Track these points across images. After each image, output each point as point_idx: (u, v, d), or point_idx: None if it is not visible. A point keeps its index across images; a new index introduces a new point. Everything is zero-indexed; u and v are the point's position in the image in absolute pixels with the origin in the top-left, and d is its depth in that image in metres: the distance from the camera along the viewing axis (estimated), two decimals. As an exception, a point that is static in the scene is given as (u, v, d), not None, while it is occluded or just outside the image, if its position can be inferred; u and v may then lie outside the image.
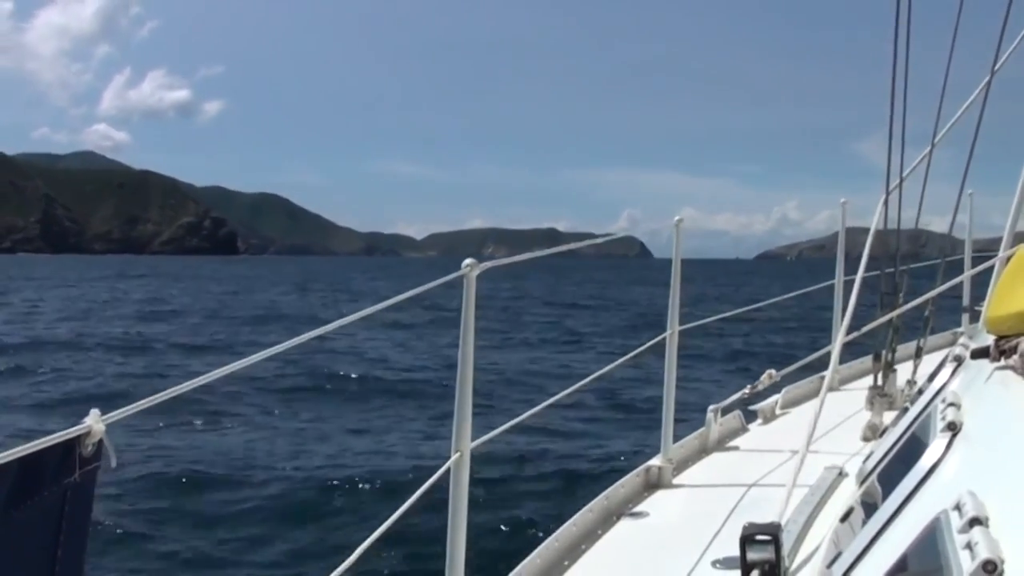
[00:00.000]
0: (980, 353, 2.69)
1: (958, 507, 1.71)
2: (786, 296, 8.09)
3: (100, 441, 2.00)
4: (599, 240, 5.36)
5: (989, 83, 5.26)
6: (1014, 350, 2.46)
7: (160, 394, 2.20)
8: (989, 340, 2.69)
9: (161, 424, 12.61)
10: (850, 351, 6.25)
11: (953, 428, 2.19)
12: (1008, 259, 3.09)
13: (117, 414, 2.05)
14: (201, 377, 2.36)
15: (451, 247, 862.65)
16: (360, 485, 10.56)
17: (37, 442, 1.88)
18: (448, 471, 3.31)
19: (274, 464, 11.55)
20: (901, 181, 5.52)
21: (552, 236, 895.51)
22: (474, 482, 3.38)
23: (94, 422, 1.98)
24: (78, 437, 1.96)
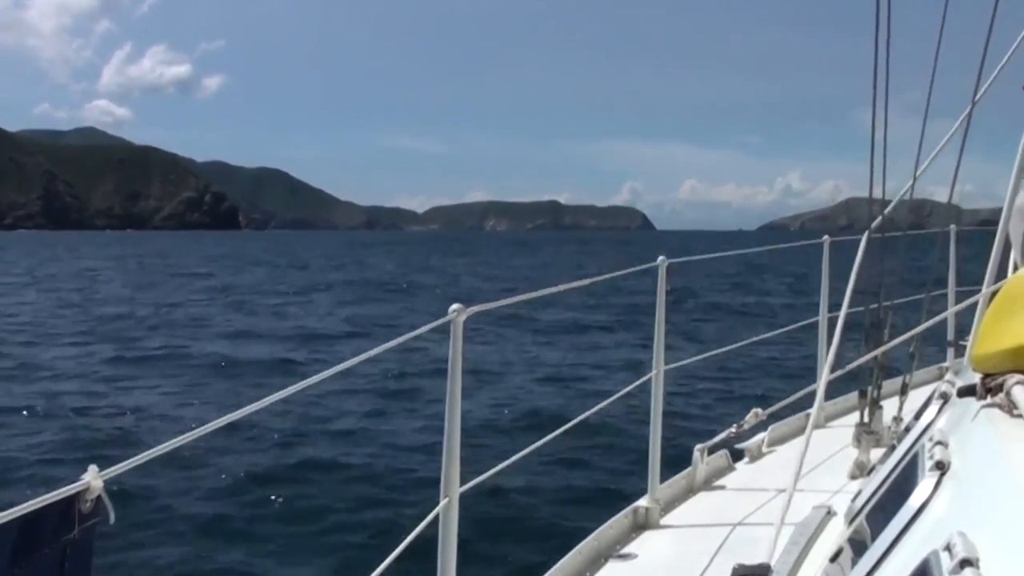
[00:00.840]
0: (967, 391, 2.68)
1: (948, 548, 1.70)
2: (772, 333, 8.24)
3: (98, 497, 2.02)
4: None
5: (970, 114, 5.21)
6: (1000, 388, 2.46)
7: (158, 448, 2.23)
8: (975, 377, 2.67)
9: (162, 475, 12.15)
10: (837, 386, 6.23)
11: (941, 467, 2.20)
12: (992, 295, 3.01)
13: (115, 469, 2.07)
14: (204, 427, 2.37)
15: (452, 220, 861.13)
16: (347, 531, 10.41)
17: (37, 500, 1.91)
18: (437, 517, 3.32)
19: (264, 511, 11.29)
20: (884, 214, 5.53)
21: (553, 208, 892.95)
22: (461, 525, 3.37)
23: (92, 478, 2.00)
24: (77, 493, 1.98)
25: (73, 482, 1.98)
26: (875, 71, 5.07)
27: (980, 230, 7.12)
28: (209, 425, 2.41)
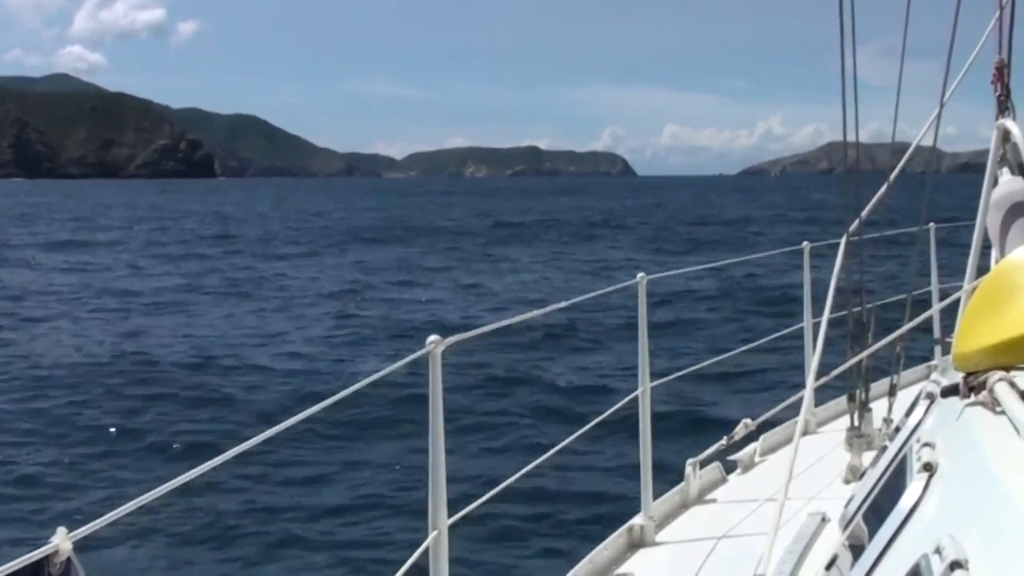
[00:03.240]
0: (950, 391, 2.68)
1: (938, 551, 1.71)
2: (758, 343, 8.27)
3: (68, 559, 1.97)
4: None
5: (939, 114, 5.11)
6: (983, 386, 2.44)
7: (127, 505, 2.22)
8: (959, 376, 2.65)
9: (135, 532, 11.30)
10: (828, 390, 6.35)
11: (929, 469, 2.20)
12: (973, 291, 3.00)
13: (84, 530, 2.06)
14: (172, 481, 2.34)
15: (432, 167, 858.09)
16: (334, 568, 10.19)
17: (4, 566, 1.88)
18: (427, 550, 3.36)
19: (244, 553, 10.77)
20: (860, 219, 5.48)
21: (533, 154, 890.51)
22: (452, 557, 3.45)
23: (61, 540, 1.96)
24: (46, 557, 1.94)
25: (41, 545, 1.97)
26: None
27: (960, 226, 7.28)
28: (177, 480, 2.37)
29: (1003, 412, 2.25)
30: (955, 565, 1.63)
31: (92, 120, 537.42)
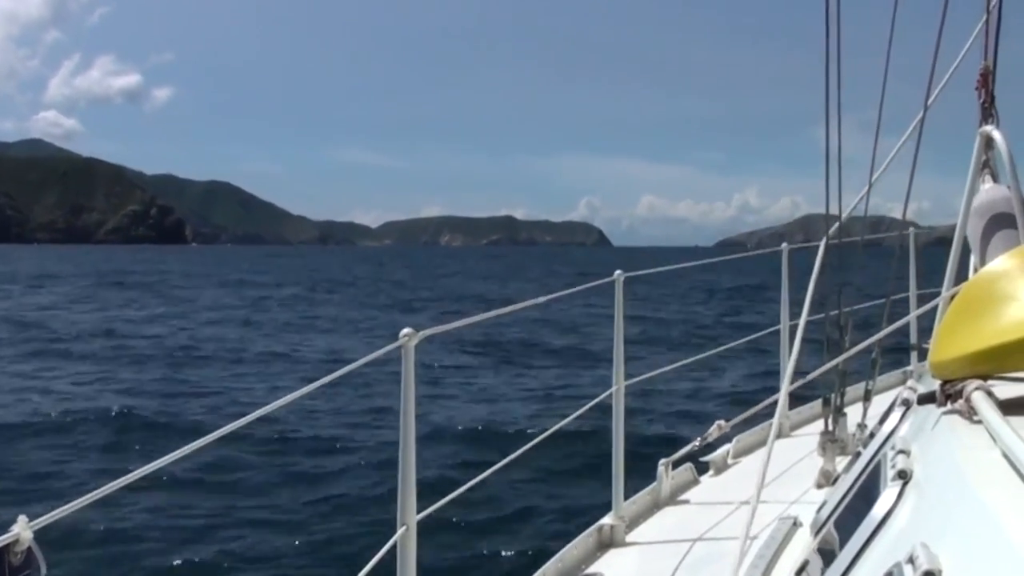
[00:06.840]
0: (926, 399, 2.71)
1: (911, 560, 1.70)
2: (734, 343, 8.29)
3: (28, 548, 1.96)
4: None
5: (923, 118, 5.11)
6: (960, 394, 2.45)
7: (88, 496, 2.20)
8: (935, 384, 2.67)
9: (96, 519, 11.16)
10: (803, 394, 6.37)
11: (904, 476, 2.20)
12: (952, 298, 3.11)
13: (44, 519, 2.05)
14: (135, 472, 2.35)
15: (407, 235, 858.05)
16: (301, 563, 10.08)
17: None
18: (395, 546, 3.33)
19: (205, 549, 10.49)
20: (840, 222, 5.50)
21: (509, 224, 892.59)
22: (421, 553, 3.39)
23: (21, 529, 1.95)
24: (7, 546, 1.93)
25: (1, 534, 1.95)
26: (827, 82, 5.09)
27: (938, 243, 7.18)
28: (141, 470, 2.38)
29: (979, 421, 2.24)
30: (928, 575, 1.63)
31: (63, 185, 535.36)
